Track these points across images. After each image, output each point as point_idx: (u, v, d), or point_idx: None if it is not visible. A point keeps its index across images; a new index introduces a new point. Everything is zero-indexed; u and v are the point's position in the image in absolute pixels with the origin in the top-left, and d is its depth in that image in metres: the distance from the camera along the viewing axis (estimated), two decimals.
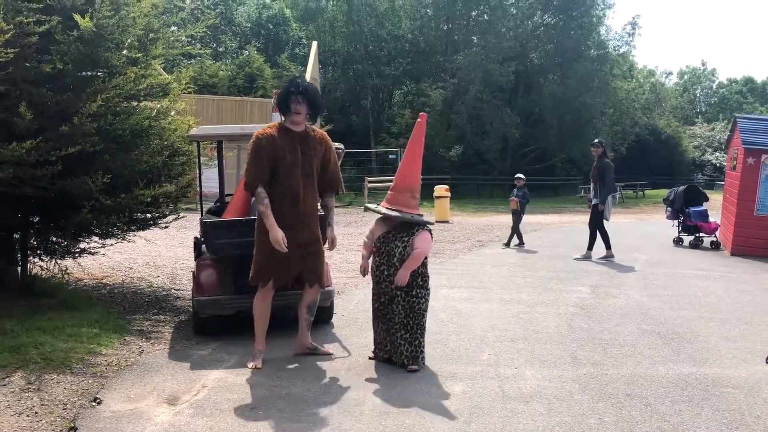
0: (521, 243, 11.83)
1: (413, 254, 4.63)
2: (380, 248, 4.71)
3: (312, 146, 4.71)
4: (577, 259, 10.45)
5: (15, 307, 5.64)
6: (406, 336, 4.68)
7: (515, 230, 11.83)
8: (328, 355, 4.99)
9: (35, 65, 5.34)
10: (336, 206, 6.14)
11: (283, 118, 4.72)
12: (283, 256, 4.54)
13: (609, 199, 10.39)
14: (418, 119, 4.91)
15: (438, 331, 5.74)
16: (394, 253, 4.65)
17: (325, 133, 4.95)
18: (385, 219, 4.75)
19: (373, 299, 4.81)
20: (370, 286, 4.86)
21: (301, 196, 4.61)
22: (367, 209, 4.98)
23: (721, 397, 4.38)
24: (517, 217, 11.78)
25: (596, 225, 10.53)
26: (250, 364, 4.72)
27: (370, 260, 4.84)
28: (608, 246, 10.49)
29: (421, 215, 4.78)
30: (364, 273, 4.86)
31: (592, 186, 10.68)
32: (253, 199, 5.56)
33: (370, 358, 4.93)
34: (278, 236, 4.42)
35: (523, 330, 5.95)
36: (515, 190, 11.92)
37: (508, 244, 11.81)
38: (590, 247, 10.54)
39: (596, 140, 11.04)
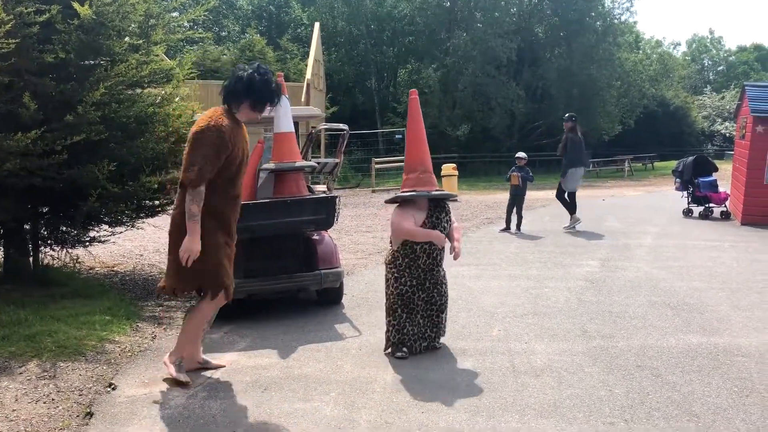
0: (508, 227, 10.61)
1: (457, 227, 4.67)
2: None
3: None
4: (567, 228, 10.68)
5: (29, 296, 5.69)
6: (444, 316, 4.72)
7: (518, 211, 10.53)
8: (217, 368, 4.38)
9: (37, 55, 5.34)
10: (344, 188, 6.09)
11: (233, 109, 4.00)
12: None
13: (571, 171, 10.61)
14: (410, 96, 4.86)
15: (448, 308, 5.74)
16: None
17: (199, 119, 3.96)
18: (413, 202, 4.50)
19: (411, 291, 4.52)
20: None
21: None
22: (396, 200, 4.59)
23: (731, 366, 4.38)
24: (520, 197, 10.50)
25: (558, 196, 10.95)
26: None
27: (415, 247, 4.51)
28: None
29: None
30: (457, 252, 4.57)
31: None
32: (260, 182, 5.60)
33: (401, 357, 4.48)
34: None
35: (532, 305, 5.96)
36: (514, 168, 10.52)
37: (508, 228, 10.59)
38: (572, 213, 10.77)
39: (567, 114, 11.27)
